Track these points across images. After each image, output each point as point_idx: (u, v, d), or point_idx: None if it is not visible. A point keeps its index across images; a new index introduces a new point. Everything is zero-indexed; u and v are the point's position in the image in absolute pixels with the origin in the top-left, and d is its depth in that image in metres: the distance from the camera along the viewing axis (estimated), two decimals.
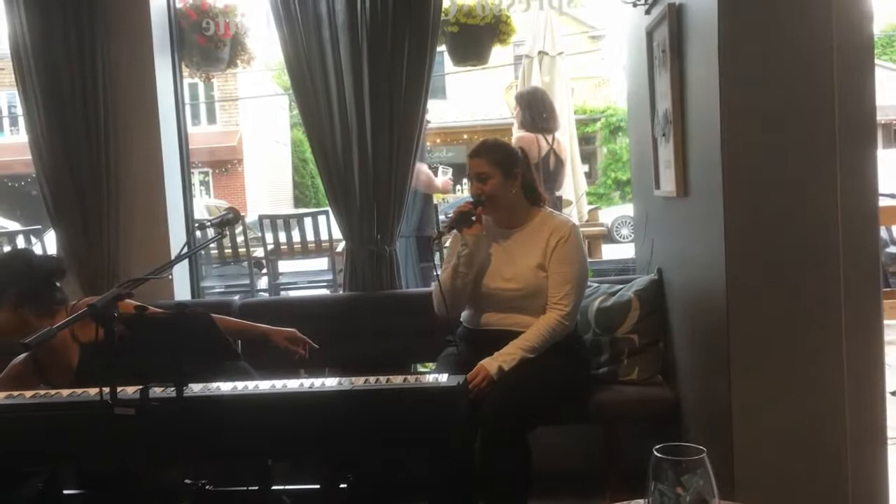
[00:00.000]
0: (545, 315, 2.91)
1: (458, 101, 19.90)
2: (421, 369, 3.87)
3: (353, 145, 3.59)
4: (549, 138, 5.07)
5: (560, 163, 5.18)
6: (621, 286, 3.33)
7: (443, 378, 2.21)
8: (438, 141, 19.29)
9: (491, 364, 2.80)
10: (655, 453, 1.78)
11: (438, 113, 14.79)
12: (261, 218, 6.50)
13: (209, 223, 2.48)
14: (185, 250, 2.73)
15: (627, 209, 14.03)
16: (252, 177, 21.83)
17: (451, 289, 2.98)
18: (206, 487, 2.29)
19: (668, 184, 2.85)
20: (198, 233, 4.91)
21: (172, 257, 3.83)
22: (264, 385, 2.24)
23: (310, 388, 2.19)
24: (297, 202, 23.52)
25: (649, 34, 3.02)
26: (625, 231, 13.76)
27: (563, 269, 2.94)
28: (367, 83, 3.55)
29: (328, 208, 4.63)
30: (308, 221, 6.21)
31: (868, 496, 2.17)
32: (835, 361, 2.15)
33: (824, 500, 2.17)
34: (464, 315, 3.13)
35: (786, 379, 2.18)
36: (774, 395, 2.19)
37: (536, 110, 5.01)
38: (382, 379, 2.22)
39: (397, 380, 2.19)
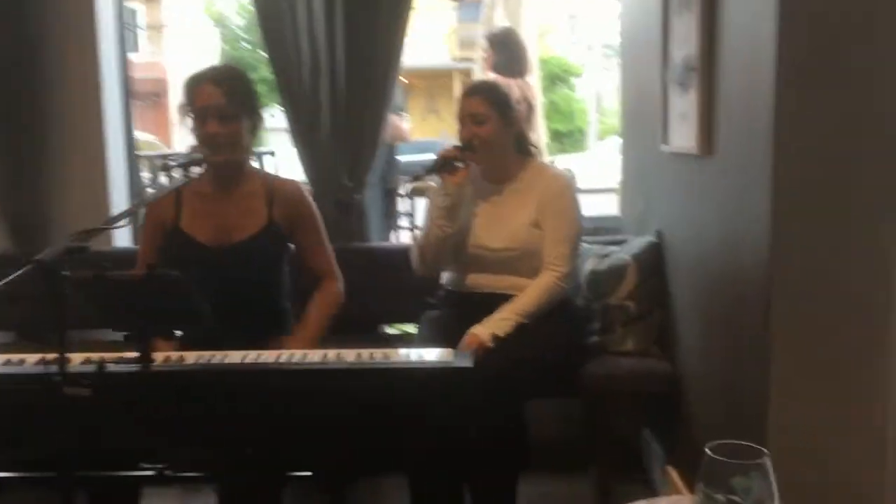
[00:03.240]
0: (541, 276, 2.65)
1: None
2: (390, 331, 3.57)
3: (322, 82, 3.21)
4: (522, 83, 4.75)
5: (531, 110, 4.87)
6: (614, 247, 3.08)
7: (446, 355, 1.91)
8: None
9: (483, 331, 2.52)
10: (709, 452, 1.56)
11: None
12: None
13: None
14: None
15: (566, 161, 13.95)
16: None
17: (432, 244, 2.68)
18: (165, 473, 1.97)
19: (684, 139, 2.58)
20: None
21: (113, 201, 3.44)
22: (235, 357, 1.91)
23: (294, 361, 1.88)
24: None
25: None
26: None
27: (560, 226, 2.67)
28: (342, 13, 3.17)
29: (271, 149, 4.29)
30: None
31: None
32: (882, 352, 1.94)
33: (863, 490, 1.98)
34: (447, 277, 2.83)
35: (831, 367, 1.96)
36: (817, 383, 1.97)
37: (512, 52, 4.67)
38: (378, 354, 1.91)
39: (397, 356, 1.89)
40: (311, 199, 2.60)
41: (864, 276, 1.93)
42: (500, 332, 2.52)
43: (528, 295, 2.61)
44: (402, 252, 3.01)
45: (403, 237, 5.78)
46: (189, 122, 2.39)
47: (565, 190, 2.72)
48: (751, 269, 2.09)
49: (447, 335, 2.60)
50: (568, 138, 21.85)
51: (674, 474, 2.79)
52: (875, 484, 1.99)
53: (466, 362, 1.80)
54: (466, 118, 2.66)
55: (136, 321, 1.58)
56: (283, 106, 3.29)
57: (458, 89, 22.99)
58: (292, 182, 2.59)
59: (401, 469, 2.58)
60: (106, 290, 1.57)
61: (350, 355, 1.90)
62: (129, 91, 3.67)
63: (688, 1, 2.50)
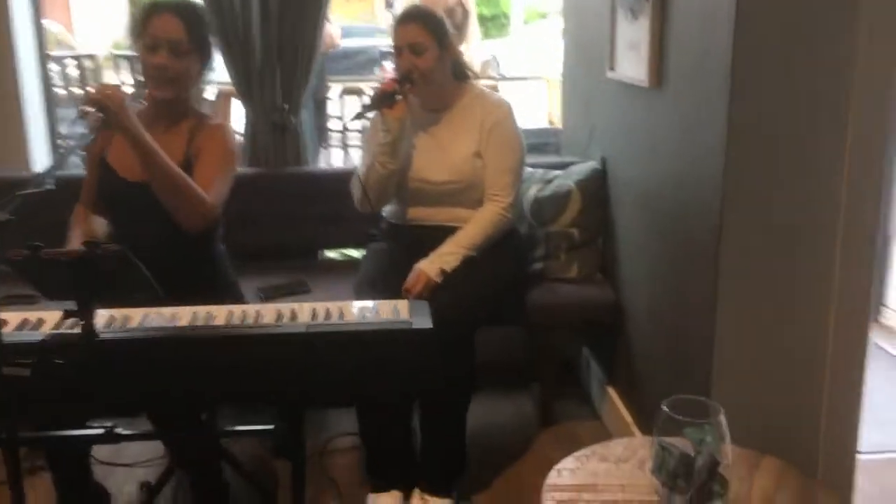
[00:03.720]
0: (485, 208, 2.61)
1: None
2: (330, 255, 3.51)
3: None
4: None
5: (466, 15, 4.71)
6: (557, 172, 3.05)
7: (403, 310, 1.87)
8: None
9: (430, 267, 2.50)
10: (665, 409, 1.60)
11: None
12: (115, 57, 5.67)
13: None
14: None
15: (492, 47, 13.56)
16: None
17: (374, 182, 2.59)
18: (116, 431, 1.91)
19: (633, 69, 2.53)
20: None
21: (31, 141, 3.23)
22: (185, 317, 1.84)
23: (246, 324, 1.81)
24: None
25: None
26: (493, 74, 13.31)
27: (502, 155, 2.62)
28: None
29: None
30: None
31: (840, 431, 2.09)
32: (825, 287, 2.00)
33: (803, 434, 2.08)
34: (388, 209, 2.77)
35: (776, 299, 2.01)
36: (762, 316, 2.02)
37: None
38: (333, 311, 1.86)
39: (352, 315, 1.85)
40: (229, 138, 2.42)
41: (813, 217, 1.97)
42: (448, 268, 2.50)
43: (474, 227, 2.58)
44: (340, 176, 2.93)
45: (335, 155, 5.63)
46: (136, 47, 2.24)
47: (506, 118, 2.65)
48: (700, 206, 2.10)
49: (393, 268, 2.58)
50: (492, 22, 21.36)
51: (612, 393, 2.91)
52: (812, 427, 2.09)
53: (426, 322, 1.77)
54: (404, 48, 2.53)
55: (77, 295, 1.49)
56: (213, 30, 3.08)
57: None
58: (219, 123, 2.44)
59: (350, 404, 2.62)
60: (42, 267, 1.47)
61: (305, 312, 1.85)
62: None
63: None
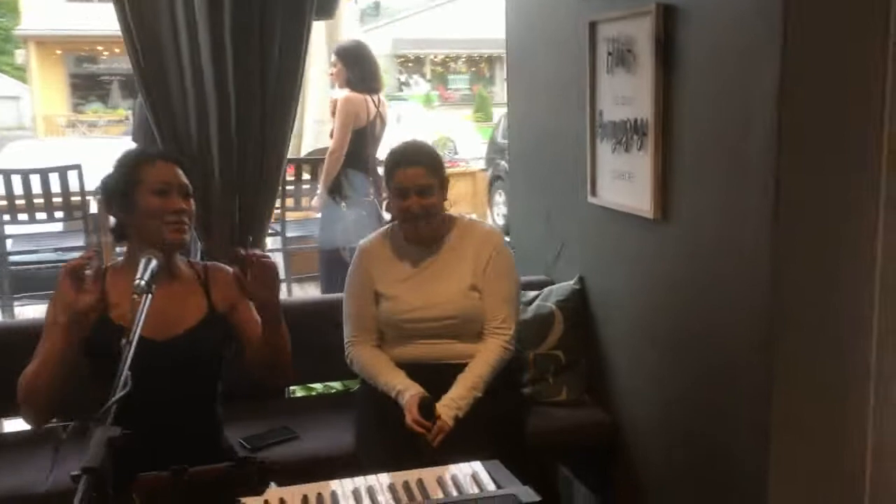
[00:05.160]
0: (489, 344, 2.59)
1: None
2: (300, 392, 3.33)
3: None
4: (375, 99, 4.58)
5: (384, 126, 4.72)
6: (535, 294, 3.06)
7: (493, 482, 1.79)
8: None
9: (447, 413, 2.42)
10: None
11: None
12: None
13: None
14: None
15: None
16: None
17: None
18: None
19: (626, 199, 2.61)
20: None
21: None
22: None
23: None
24: None
25: (592, 26, 2.71)
26: None
27: (501, 287, 2.62)
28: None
29: None
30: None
31: None
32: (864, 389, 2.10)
33: None
34: (388, 348, 2.66)
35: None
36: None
37: (364, 68, 4.48)
38: (412, 484, 1.75)
39: (435, 487, 1.74)
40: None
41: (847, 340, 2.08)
42: (461, 414, 2.44)
43: (481, 367, 2.53)
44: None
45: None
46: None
47: (501, 248, 2.65)
48: (738, 327, 2.16)
49: (392, 411, 2.46)
50: None
51: None
52: None
53: (531, 495, 1.70)
54: (410, 190, 2.49)
55: None
56: None
57: None
58: (218, 265, 2.35)
59: None
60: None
61: (386, 492, 1.72)
62: None
63: (634, 63, 2.51)
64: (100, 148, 7.91)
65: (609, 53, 2.64)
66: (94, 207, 5.15)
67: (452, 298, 2.57)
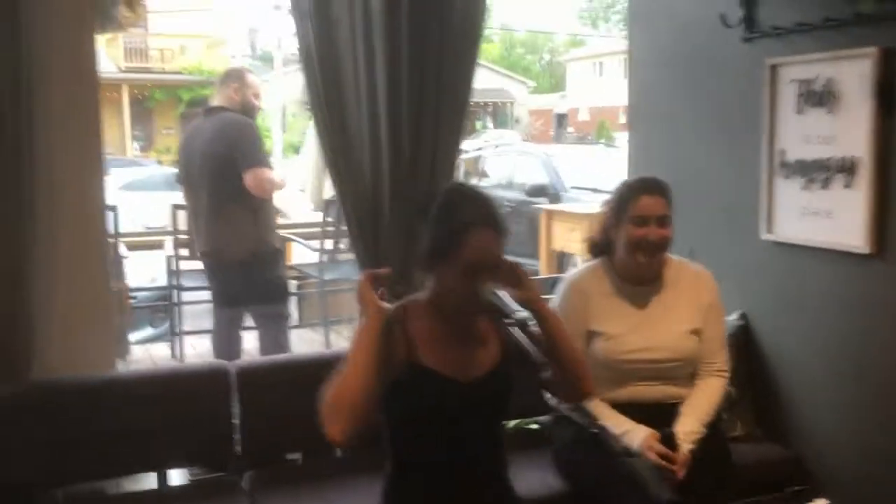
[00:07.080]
0: (712, 382, 2.58)
1: None
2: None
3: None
4: None
5: None
6: None
7: None
8: None
9: (683, 447, 2.39)
10: None
11: None
12: None
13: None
14: None
15: None
16: None
17: None
18: None
19: (823, 234, 2.70)
20: None
21: None
22: None
23: None
24: None
25: (774, 69, 2.80)
26: None
27: (719, 328, 2.66)
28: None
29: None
30: None
31: None
32: None
33: None
34: (600, 388, 2.60)
35: None
36: None
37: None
38: None
39: None
40: None
41: None
42: (694, 448, 2.41)
43: (709, 403, 2.53)
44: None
45: None
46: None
47: (716, 292, 2.65)
48: None
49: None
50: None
51: None
52: None
53: None
54: (651, 219, 2.48)
55: None
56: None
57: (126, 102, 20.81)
58: None
59: None
60: None
61: None
62: None
63: (837, 104, 2.61)
64: None
65: (800, 94, 2.73)
66: None
67: (676, 340, 2.55)
